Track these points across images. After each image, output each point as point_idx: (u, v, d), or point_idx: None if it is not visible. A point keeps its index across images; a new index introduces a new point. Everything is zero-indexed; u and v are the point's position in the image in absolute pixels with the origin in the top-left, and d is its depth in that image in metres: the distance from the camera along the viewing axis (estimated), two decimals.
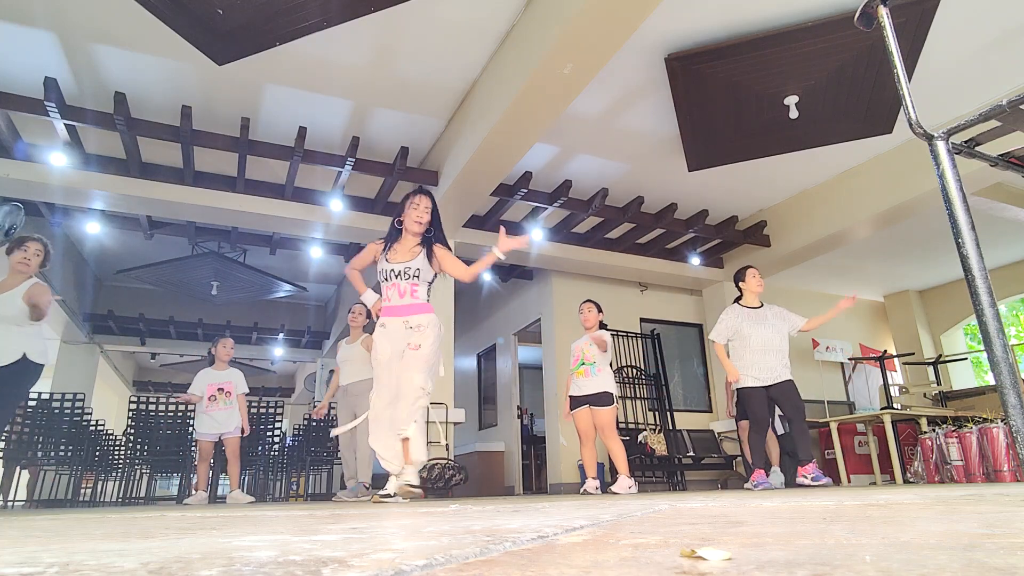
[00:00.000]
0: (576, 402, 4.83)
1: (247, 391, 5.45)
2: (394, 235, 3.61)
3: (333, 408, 6.64)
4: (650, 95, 4.95)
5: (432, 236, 3.58)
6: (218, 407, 5.24)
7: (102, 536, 1.10)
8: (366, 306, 5.43)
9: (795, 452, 5.27)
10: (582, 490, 4.84)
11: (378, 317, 3.57)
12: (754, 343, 4.63)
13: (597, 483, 4.77)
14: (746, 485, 4.69)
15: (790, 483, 5.08)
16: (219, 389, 5.28)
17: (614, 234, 7.20)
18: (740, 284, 4.87)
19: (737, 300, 4.87)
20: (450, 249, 3.66)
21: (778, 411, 5.22)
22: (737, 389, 4.73)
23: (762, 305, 4.80)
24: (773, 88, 4.65)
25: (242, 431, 5.32)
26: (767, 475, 4.67)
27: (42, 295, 3.87)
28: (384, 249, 3.58)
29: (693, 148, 5.30)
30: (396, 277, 3.48)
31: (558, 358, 7.19)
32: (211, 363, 5.46)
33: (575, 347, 4.97)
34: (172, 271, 7.24)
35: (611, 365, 4.94)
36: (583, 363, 4.83)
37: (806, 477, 4.48)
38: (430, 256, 3.52)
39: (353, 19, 3.85)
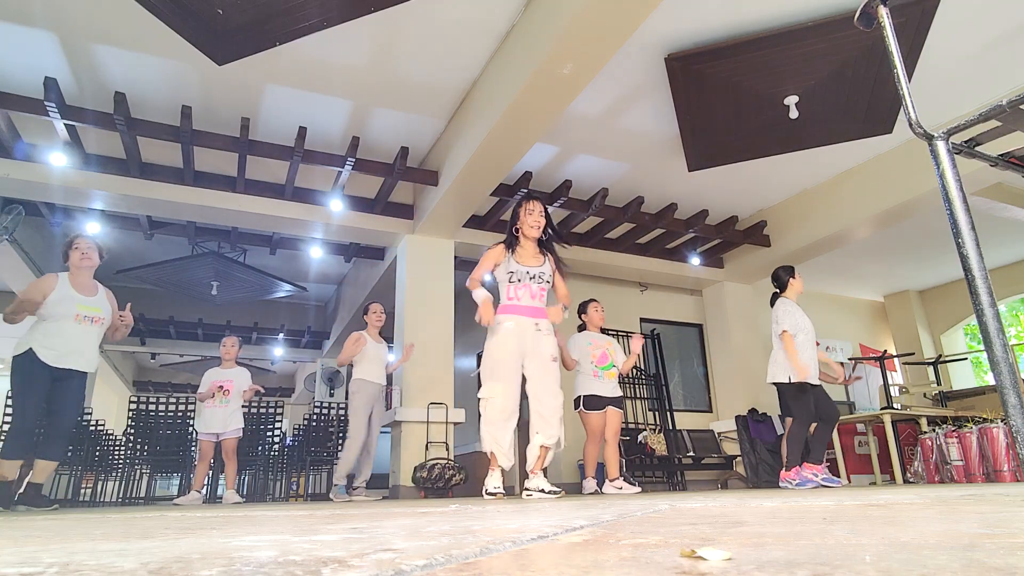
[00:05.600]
0: (600, 402, 4.83)
1: (255, 384, 5.40)
2: (512, 241, 3.74)
3: (342, 408, 6.61)
4: (650, 95, 4.95)
5: (549, 240, 3.79)
6: (215, 405, 5.23)
7: (102, 536, 1.10)
8: (382, 308, 5.47)
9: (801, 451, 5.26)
10: (597, 490, 4.82)
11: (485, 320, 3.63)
12: (806, 337, 4.63)
13: (596, 483, 4.80)
14: (790, 484, 4.49)
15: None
16: (220, 387, 5.26)
17: (614, 234, 7.20)
18: (791, 280, 4.85)
19: (776, 296, 4.88)
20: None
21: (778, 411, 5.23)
22: (799, 383, 4.49)
23: None
24: (773, 88, 4.65)
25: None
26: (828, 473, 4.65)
27: (117, 308, 4.08)
28: (509, 252, 3.70)
29: (693, 148, 5.30)
30: (530, 280, 3.63)
31: None
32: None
33: (596, 342, 4.95)
34: (172, 271, 7.25)
35: None
36: (613, 365, 4.90)
37: (816, 476, 4.48)
38: (558, 265, 3.75)
39: (353, 19, 3.84)
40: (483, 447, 3.55)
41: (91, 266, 3.97)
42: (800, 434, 4.56)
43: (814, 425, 4.65)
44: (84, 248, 3.95)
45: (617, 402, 4.89)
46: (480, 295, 3.62)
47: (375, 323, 5.31)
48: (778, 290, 4.92)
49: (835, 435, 6.22)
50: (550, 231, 3.80)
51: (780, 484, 4.62)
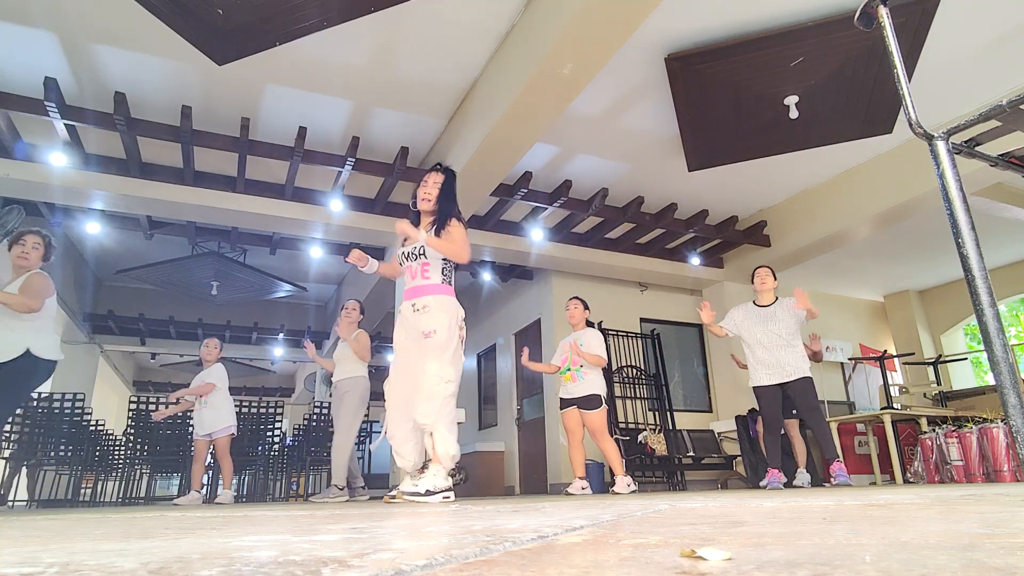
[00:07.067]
0: (565, 403, 4.86)
1: (211, 382, 5.29)
2: (414, 220, 3.41)
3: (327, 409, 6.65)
4: (650, 95, 4.95)
5: (443, 213, 3.33)
6: (199, 408, 5.27)
7: (102, 536, 1.10)
8: (359, 301, 5.45)
9: (790, 451, 5.26)
10: (565, 491, 4.83)
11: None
12: (755, 341, 4.72)
13: (584, 484, 4.73)
14: (761, 483, 4.69)
15: (817, 482, 5.09)
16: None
17: (614, 234, 7.20)
18: (753, 286, 5.00)
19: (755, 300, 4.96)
20: (463, 224, 3.34)
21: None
22: (752, 388, 4.78)
23: (776, 300, 4.84)
24: (773, 88, 4.65)
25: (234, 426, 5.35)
26: (791, 475, 4.66)
27: (33, 284, 3.69)
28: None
29: (693, 148, 5.30)
30: (407, 259, 3.30)
31: None
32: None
33: (564, 346, 4.94)
34: (172, 271, 7.25)
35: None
36: (569, 368, 4.83)
37: (833, 477, 4.44)
38: (439, 232, 3.25)
39: (353, 19, 3.84)
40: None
41: (26, 266, 3.76)
42: (767, 437, 4.68)
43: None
44: (30, 247, 3.76)
45: (585, 402, 4.72)
46: (371, 267, 3.49)
47: (343, 319, 5.29)
48: None
49: (835, 435, 6.22)
50: (443, 206, 3.33)
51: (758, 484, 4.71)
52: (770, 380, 4.62)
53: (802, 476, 5.13)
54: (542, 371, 5.06)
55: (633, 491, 4.60)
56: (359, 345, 5.02)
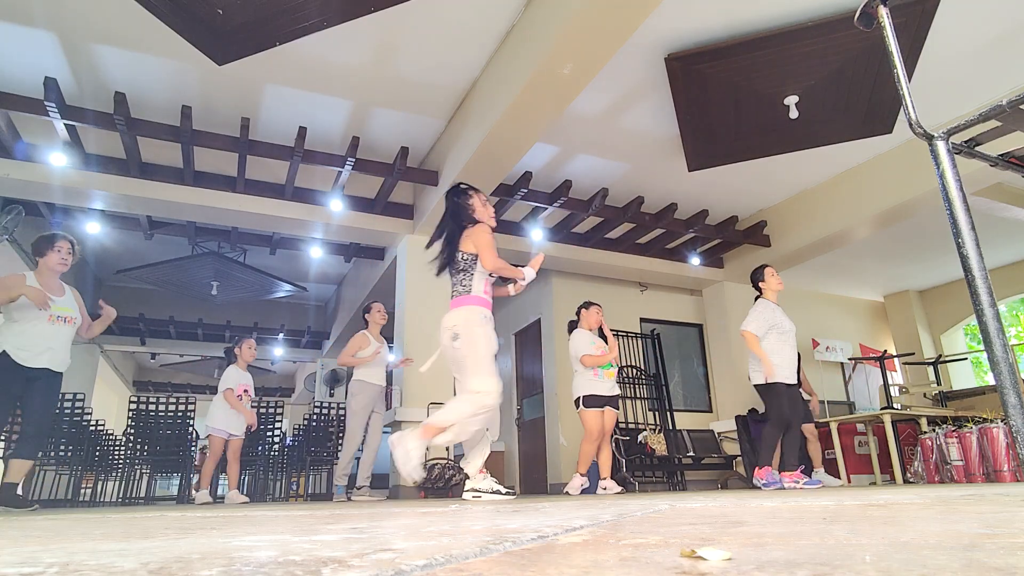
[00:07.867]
0: (599, 401, 4.87)
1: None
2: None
3: (341, 409, 6.64)
4: (650, 95, 4.95)
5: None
6: (249, 406, 5.38)
7: (102, 536, 1.10)
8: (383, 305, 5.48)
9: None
10: (565, 491, 4.85)
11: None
12: (791, 339, 4.58)
13: (584, 482, 4.79)
14: (761, 484, 4.49)
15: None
16: (245, 390, 5.38)
17: (614, 234, 7.19)
18: (760, 284, 4.83)
19: (758, 298, 4.84)
20: None
21: None
22: (771, 384, 4.48)
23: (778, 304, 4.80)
24: (773, 88, 4.65)
25: (248, 430, 5.40)
26: (809, 476, 4.61)
27: (83, 307, 4.06)
28: None
29: (693, 148, 5.30)
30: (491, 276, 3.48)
31: (558, 358, 7.18)
32: (230, 362, 5.49)
33: (598, 342, 4.99)
34: (172, 271, 7.25)
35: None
36: (611, 364, 4.93)
37: (797, 483, 4.43)
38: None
39: (353, 19, 3.85)
40: (453, 439, 3.29)
41: (63, 271, 3.89)
42: (772, 435, 4.52)
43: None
44: (65, 252, 3.86)
45: (614, 402, 4.94)
46: (530, 273, 3.47)
47: (378, 322, 5.31)
48: (759, 293, 4.89)
49: (835, 435, 6.22)
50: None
51: (752, 483, 4.65)
52: (788, 379, 4.50)
53: (822, 476, 5.13)
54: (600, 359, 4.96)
55: (616, 492, 4.70)
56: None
